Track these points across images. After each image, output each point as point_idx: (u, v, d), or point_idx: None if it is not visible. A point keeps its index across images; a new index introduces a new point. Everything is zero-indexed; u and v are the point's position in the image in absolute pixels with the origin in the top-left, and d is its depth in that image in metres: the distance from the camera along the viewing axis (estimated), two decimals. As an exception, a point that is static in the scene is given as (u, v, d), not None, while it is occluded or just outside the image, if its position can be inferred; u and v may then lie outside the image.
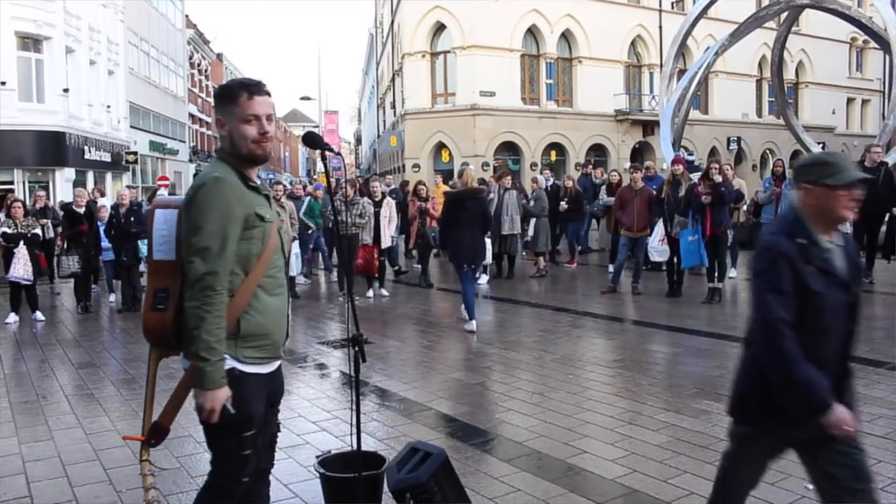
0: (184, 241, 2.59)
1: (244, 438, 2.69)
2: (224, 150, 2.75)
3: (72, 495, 4.22)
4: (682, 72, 24.69)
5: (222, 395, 2.57)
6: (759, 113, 40.38)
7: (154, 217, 2.76)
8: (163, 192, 19.88)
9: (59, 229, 12.06)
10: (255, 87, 2.70)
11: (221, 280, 2.54)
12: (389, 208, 12.02)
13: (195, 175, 34.68)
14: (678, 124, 19.79)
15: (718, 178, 10.09)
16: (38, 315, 10.48)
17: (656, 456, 4.55)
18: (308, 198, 14.49)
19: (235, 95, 2.68)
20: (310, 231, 14.06)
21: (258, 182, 2.77)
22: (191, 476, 4.43)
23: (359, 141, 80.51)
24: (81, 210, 11.25)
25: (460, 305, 9.36)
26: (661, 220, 10.85)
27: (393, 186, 16.05)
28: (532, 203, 13.57)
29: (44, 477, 4.52)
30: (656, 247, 11.11)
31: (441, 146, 32.32)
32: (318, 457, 3.85)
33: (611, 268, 12.27)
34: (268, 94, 2.74)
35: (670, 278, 10.87)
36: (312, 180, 36.10)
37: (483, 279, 12.77)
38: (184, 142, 40.69)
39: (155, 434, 2.78)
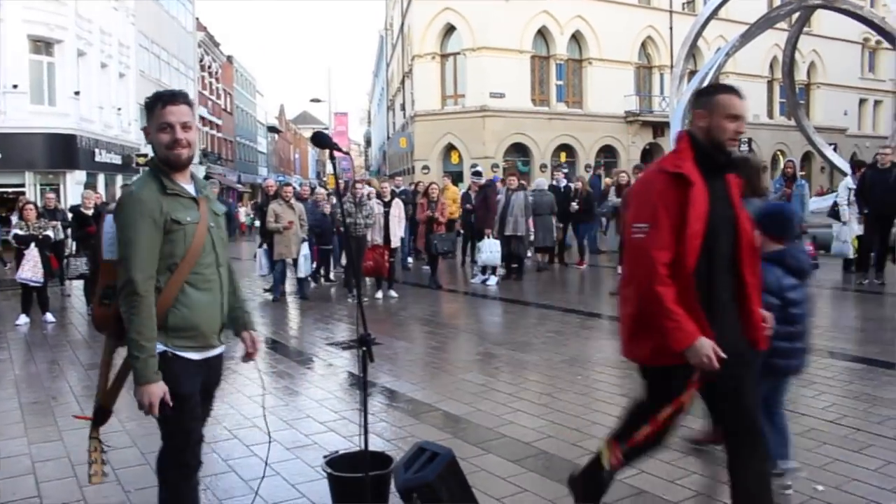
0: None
1: (182, 415, 2.94)
2: (153, 159, 3.03)
3: (80, 495, 4.24)
4: (692, 73, 24.65)
5: (157, 390, 2.80)
6: (771, 114, 40.26)
7: (103, 220, 3.02)
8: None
9: (69, 231, 12.12)
10: (168, 97, 2.95)
11: (142, 284, 2.78)
12: (399, 208, 12.03)
13: (205, 177, 34.88)
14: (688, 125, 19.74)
15: None
16: (49, 316, 10.52)
17: (664, 457, 4.51)
18: None
19: (153, 106, 2.95)
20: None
21: (181, 187, 2.98)
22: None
23: (368, 143, 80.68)
24: (90, 212, 11.30)
25: (469, 307, 9.32)
26: None
27: (403, 187, 16.05)
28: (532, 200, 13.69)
29: (53, 477, 4.53)
30: None
31: (451, 148, 32.35)
32: (325, 457, 3.84)
33: (620, 269, 12.24)
34: (185, 103, 2.98)
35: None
36: (322, 182, 36.14)
37: (492, 280, 12.79)
38: (194, 144, 40.76)
39: (99, 416, 3.05)
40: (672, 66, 29.50)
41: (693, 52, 23.49)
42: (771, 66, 38.55)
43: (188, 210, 2.95)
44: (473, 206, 13.92)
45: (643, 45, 35.72)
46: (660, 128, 33.89)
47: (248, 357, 3.34)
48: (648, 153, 34.55)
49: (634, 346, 3.15)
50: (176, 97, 2.96)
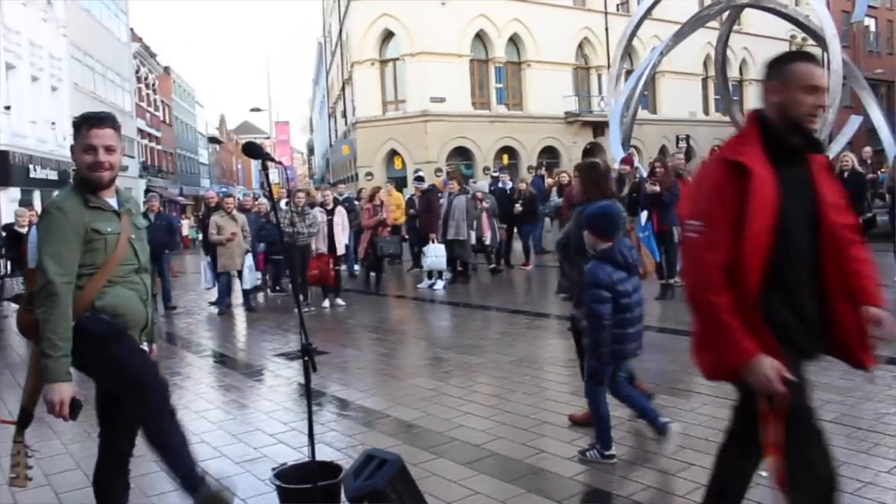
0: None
1: (129, 342, 3.18)
2: (76, 175, 3.22)
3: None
4: (629, 72, 25.03)
5: (67, 390, 2.93)
6: (707, 111, 41.16)
7: (30, 232, 3.39)
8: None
9: (2, 251, 11.77)
10: (94, 120, 3.12)
11: (60, 286, 2.92)
12: (342, 216, 11.98)
13: (146, 191, 34.18)
14: (627, 124, 20.04)
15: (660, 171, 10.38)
16: (-15, 339, 10.22)
17: (614, 452, 4.59)
18: None
19: (80, 126, 3.12)
20: None
21: (104, 201, 3.16)
22: (145, 495, 4.36)
23: (311, 151, 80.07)
24: (24, 230, 11.00)
25: (417, 312, 9.33)
26: None
27: (346, 195, 15.98)
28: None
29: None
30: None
31: (394, 153, 32.32)
32: (273, 469, 3.81)
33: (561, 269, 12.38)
34: (111, 127, 3.13)
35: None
36: (265, 192, 35.77)
37: (439, 284, 12.82)
38: (133, 157, 39.99)
39: (23, 418, 3.17)
40: (609, 67, 29.97)
41: (629, 51, 23.80)
42: (704, 64, 39.40)
43: (110, 222, 3.13)
44: (417, 211, 13.96)
45: (580, 46, 36.19)
46: (599, 127, 34.34)
47: None
48: (590, 152, 35.00)
49: (699, 356, 2.73)
50: (102, 121, 3.13)
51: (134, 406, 3.18)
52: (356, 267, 15.82)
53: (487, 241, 14.63)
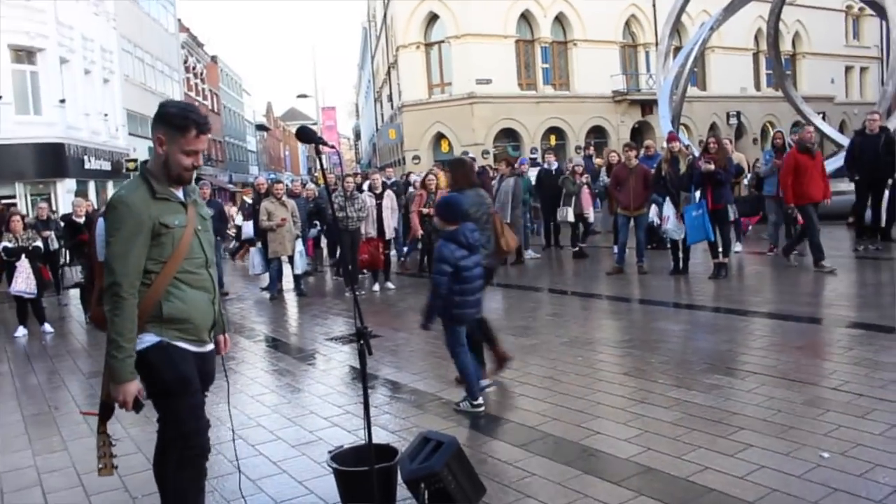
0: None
1: (189, 398, 3.09)
2: (148, 167, 3.09)
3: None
4: (677, 49, 24.62)
5: (132, 388, 2.94)
6: (758, 86, 40.21)
7: (97, 224, 3.17)
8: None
9: (62, 241, 12.05)
10: (204, 126, 3.06)
11: (127, 288, 2.89)
12: (391, 199, 11.98)
13: (196, 180, 34.75)
14: (676, 102, 19.72)
15: (714, 148, 10.14)
16: (47, 327, 10.50)
17: (669, 433, 4.53)
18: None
19: (186, 128, 3.01)
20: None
21: (171, 192, 3.08)
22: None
23: (358, 136, 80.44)
24: (81, 220, 11.23)
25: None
26: (668, 198, 10.70)
27: (394, 179, 15.98)
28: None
29: (60, 487, 4.52)
30: (673, 226, 10.74)
31: (440, 136, 32.28)
32: (330, 452, 3.84)
33: (616, 249, 12.23)
34: (209, 131, 3.15)
35: (675, 256, 10.80)
36: (313, 178, 36.03)
37: None
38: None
39: (104, 412, 3.14)
40: (657, 44, 29.45)
41: (677, 28, 23.41)
42: (756, 39, 38.47)
43: (176, 214, 3.06)
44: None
45: (627, 23, 35.60)
46: (648, 105, 33.82)
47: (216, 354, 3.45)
48: (638, 131, 34.53)
49: None
50: (208, 126, 3.12)
51: (171, 453, 3.14)
52: (405, 250, 15.84)
53: (591, 219, 14.52)
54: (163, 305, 3.01)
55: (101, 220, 3.09)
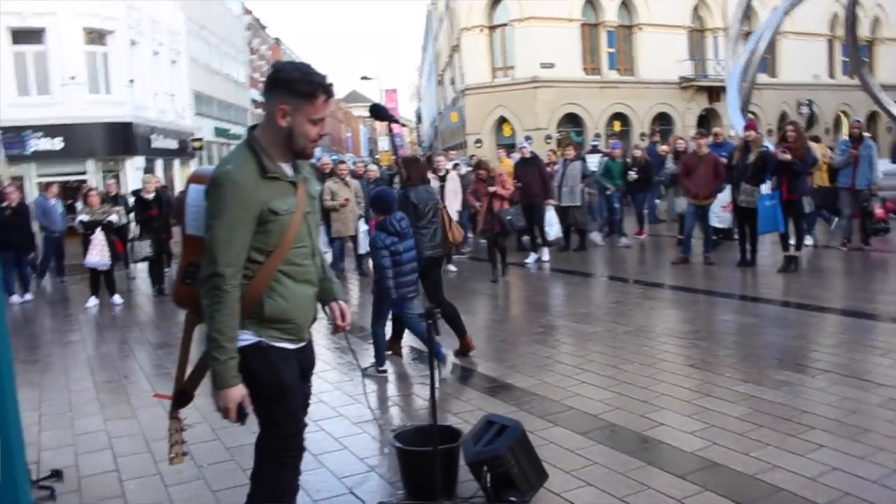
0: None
1: (288, 404, 2.79)
2: (258, 138, 2.70)
3: (155, 469, 4.34)
4: (747, 34, 23.91)
5: (235, 395, 2.60)
6: (832, 74, 38.89)
7: (188, 191, 2.74)
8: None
9: (131, 215, 12.37)
10: (329, 88, 2.68)
11: (230, 280, 2.55)
12: (455, 182, 11.93)
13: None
14: (746, 89, 19.20)
15: (792, 136, 9.84)
16: (117, 298, 10.81)
17: (736, 428, 4.42)
18: (604, 158, 14.92)
19: (313, 94, 2.63)
20: (608, 192, 14.15)
21: (282, 169, 2.70)
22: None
23: (419, 119, 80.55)
24: (151, 196, 11.50)
25: (528, 279, 9.22)
26: (728, 186, 10.49)
27: (457, 161, 15.85)
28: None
29: (129, 452, 4.65)
30: (717, 213, 10.78)
31: (503, 120, 32.10)
32: (393, 430, 3.85)
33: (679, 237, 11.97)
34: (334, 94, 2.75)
35: (742, 247, 10.53)
36: (375, 160, 36.21)
37: (545, 255, 12.23)
38: (247, 126, 41.28)
39: (179, 398, 2.89)
40: (726, 29, 28.69)
41: (748, 12, 22.76)
42: (831, 24, 37.19)
43: (286, 197, 2.67)
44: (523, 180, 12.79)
45: (695, 7, 34.77)
46: (716, 92, 33.03)
47: (336, 329, 3.07)
48: (705, 119, 33.78)
49: None
50: (333, 87, 2.73)
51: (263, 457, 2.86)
52: (468, 235, 15.71)
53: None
54: (265, 304, 2.66)
55: (194, 189, 2.71)
